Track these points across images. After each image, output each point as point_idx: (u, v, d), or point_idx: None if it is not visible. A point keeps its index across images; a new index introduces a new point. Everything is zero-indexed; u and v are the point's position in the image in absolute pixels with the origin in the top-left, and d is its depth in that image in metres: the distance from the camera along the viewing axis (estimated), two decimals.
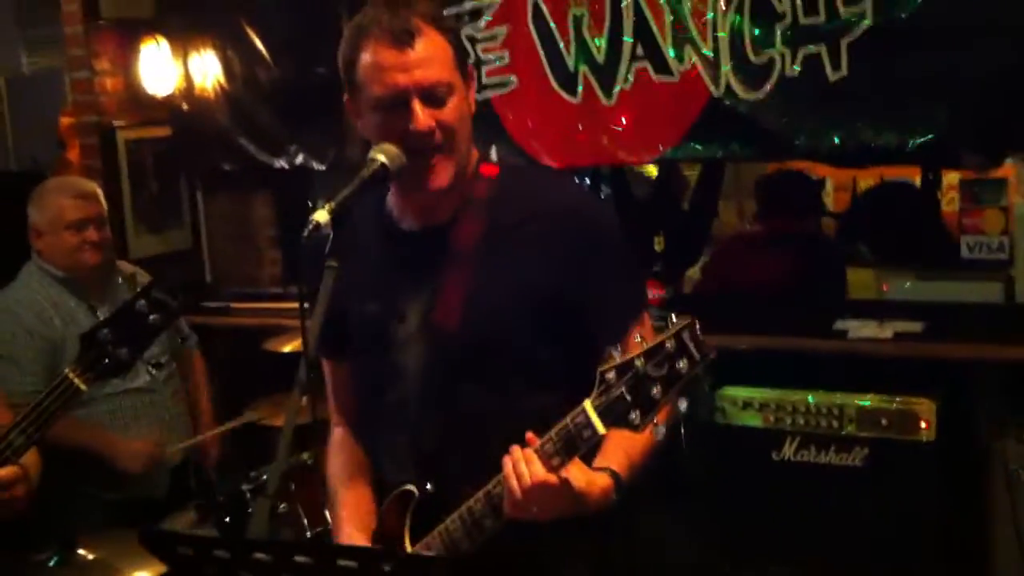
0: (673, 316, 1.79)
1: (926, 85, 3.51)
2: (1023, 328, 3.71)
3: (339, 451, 2.36)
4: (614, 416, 1.82)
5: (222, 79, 4.93)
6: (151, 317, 2.26)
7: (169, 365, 3.90)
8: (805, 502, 3.65)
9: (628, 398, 1.80)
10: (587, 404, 1.85)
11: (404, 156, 2.01)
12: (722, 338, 3.73)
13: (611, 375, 1.82)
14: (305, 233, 1.88)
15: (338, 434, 2.38)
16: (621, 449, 2.02)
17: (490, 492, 1.98)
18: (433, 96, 2.02)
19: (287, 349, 4.28)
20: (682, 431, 3.54)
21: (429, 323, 2.12)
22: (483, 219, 2.12)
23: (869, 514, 3.56)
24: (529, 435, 1.91)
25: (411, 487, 2.13)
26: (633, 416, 1.80)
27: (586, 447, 1.87)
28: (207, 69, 4.96)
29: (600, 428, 1.83)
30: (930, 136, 3.54)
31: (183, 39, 4.98)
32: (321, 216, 1.88)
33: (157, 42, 4.98)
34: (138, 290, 2.31)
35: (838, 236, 5.02)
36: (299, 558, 1.55)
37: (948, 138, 3.53)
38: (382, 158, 1.99)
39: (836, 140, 3.66)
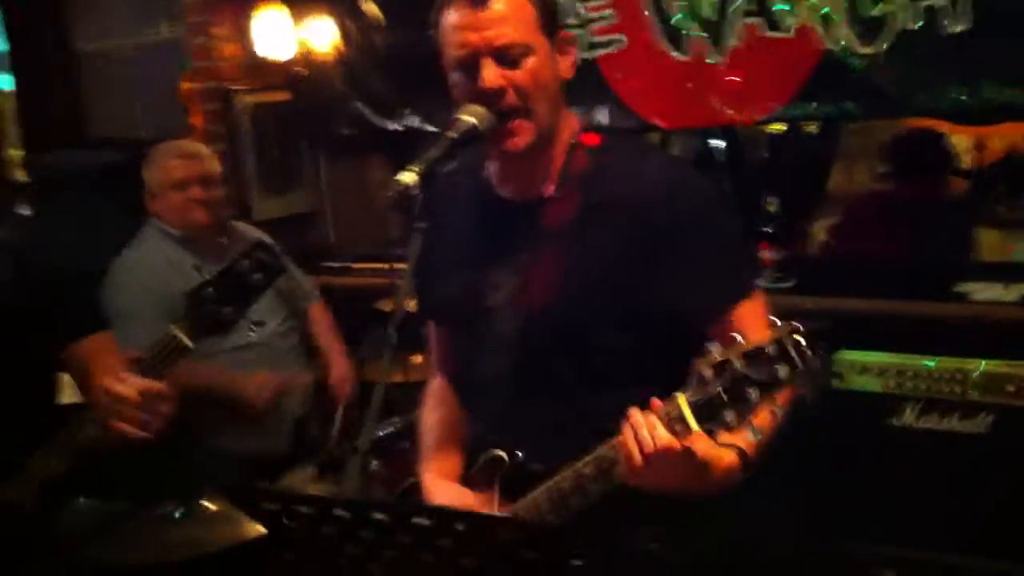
0: (777, 320, 1.71)
1: None
2: None
3: (437, 405, 2.38)
4: (708, 414, 1.76)
5: (339, 43, 4.96)
6: (254, 276, 2.26)
7: (284, 322, 3.96)
8: (927, 471, 3.54)
9: (724, 398, 1.73)
10: (681, 398, 1.79)
11: (493, 117, 1.99)
12: (839, 300, 3.64)
13: (708, 372, 1.75)
14: (391, 195, 1.87)
15: (436, 385, 2.41)
16: (749, 427, 1.92)
17: (580, 471, 1.95)
18: (505, 56, 1.99)
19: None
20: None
21: (520, 297, 2.10)
22: (580, 195, 2.09)
23: (994, 484, 3.44)
24: (654, 400, 1.84)
25: (502, 453, 2.13)
26: (728, 416, 1.74)
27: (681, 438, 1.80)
28: (324, 34, 5.00)
29: (693, 425, 1.77)
30: None
31: (300, 4, 5.01)
32: (408, 177, 1.87)
33: (276, 8, 5.02)
34: (242, 250, 2.31)
35: (968, 196, 4.79)
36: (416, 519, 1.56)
37: None
38: (470, 118, 1.98)
39: (959, 97, 3.48)
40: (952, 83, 3.49)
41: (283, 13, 5.03)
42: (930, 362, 3.54)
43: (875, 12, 3.58)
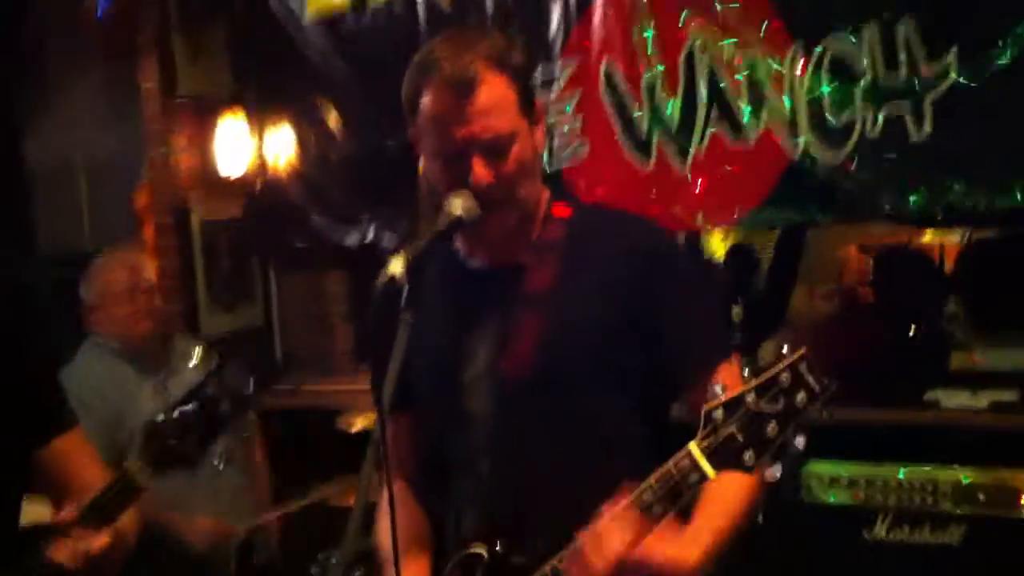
0: (785, 346, 1.65)
1: (1013, 142, 3.37)
2: None
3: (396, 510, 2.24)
4: (724, 458, 1.67)
5: (296, 155, 4.94)
6: (221, 407, 1.99)
7: (236, 451, 3.84)
8: None
9: (740, 438, 1.65)
10: (693, 446, 1.70)
11: (478, 208, 1.94)
12: None
13: (719, 413, 1.67)
14: (379, 284, 1.80)
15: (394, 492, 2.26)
16: (718, 506, 1.88)
17: (556, 567, 1.85)
18: (494, 148, 1.95)
19: (357, 428, 4.22)
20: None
21: (499, 367, 2.02)
22: (557, 261, 2.05)
23: None
24: (625, 488, 1.77)
25: (480, 549, 2.00)
26: (747, 457, 1.65)
27: (692, 493, 1.73)
28: (281, 145, 4.98)
29: (710, 472, 1.69)
30: (1019, 196, 3.37)
31: (259, 115, 5.01)
32: (396, 267, 1.81)
33: (235, 116, 5.00)
34: (210, 370, 2.08)
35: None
36: None
37: None
38: (458, 211, 1.93)
39: (921, 201, 3.51)
40: (914, 188, 3.51)
41: (242, 123, 5.01)
42: (902, 472, 3.48)
43: (838, 121, 3.61)
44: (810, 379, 1.61)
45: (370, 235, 4.77)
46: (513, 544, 1.97)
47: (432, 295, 2.08)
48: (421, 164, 2.10)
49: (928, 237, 4.48)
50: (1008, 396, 3.52)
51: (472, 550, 2.00)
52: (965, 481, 3.39)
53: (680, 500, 1.73)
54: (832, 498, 3.61)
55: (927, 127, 3.47)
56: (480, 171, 1.94)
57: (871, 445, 3.58)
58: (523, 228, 2.05)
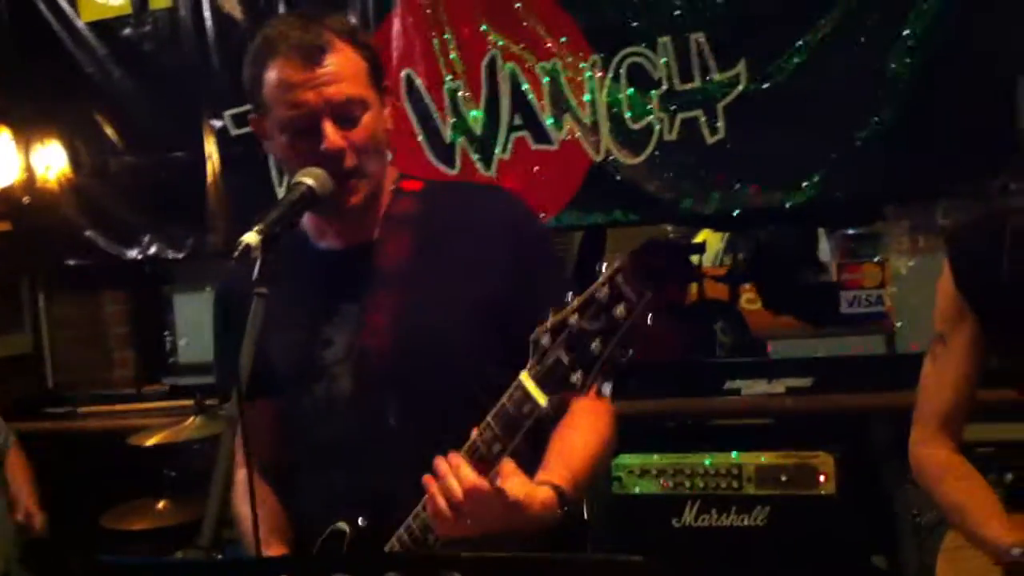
0: (605, 263, 1.63)
1: (801, 145, 3.61)
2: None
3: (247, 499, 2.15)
4: (554, 382, 1.64)
5: (68, 170, 4.70)
6: None
7: None
8: (708, 567, 3.58)
9: (566, 360, 1.62)
10: (523, 375, 1.68)
11: (331, 180, 1.90)
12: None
13: (545, 339, 1.64)
14: (235, 255, 1.74)
15: (244, 475, 2.12)
16: (562, 462, 1.90)
17: (419, 514, 1.84)
18: (345, 115, 1.92)
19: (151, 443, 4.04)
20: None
21: (359, 346, 1.99)
22: (410, 234, 2.03)
23: (777, 574, 3.52)
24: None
25: (342, 525, 1.96)
26: (575, 378, 1.62)
27: (528, 424, 1.70)
28: (51, 160, 4.72)
29: (541, 399, 1.66)
30: (807, 195, 3.62)
31: (26, 129, 4.73)
32: (251, 238, 1.75)
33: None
34: None
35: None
36: None
37: (824, 197, 3.63)
38: (309, 181, 1.88)
39: (718, 202, 3.71)
40: (711, 189, 3.71)
41: (6, 136, 4.73)
42: (708, 459, 3.62)
43: (636, 125, 3.77)
44: (627, 290, 1.58)
45: (152, 250, 4.59)
46: (376, 518, 1.94)
47: (283, 282, 2.04)
48: (269, 149, 2.06)
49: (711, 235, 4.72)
50: (802, 382, 3.73)
51: (336, 527, 1.97)
52: (766, 463, 3.58)
53: (518, 432, 1.72)
54: (642, 489, 3.72)
55: (720, 132, 3.68)
56: (332, 135, 1.91)
57: (678, 436, 3.73)
58: (372, 204, 2.02)
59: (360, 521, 1.95)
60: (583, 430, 1.97)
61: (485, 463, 1.76)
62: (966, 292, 2.18)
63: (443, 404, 1.96)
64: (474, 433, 1.77)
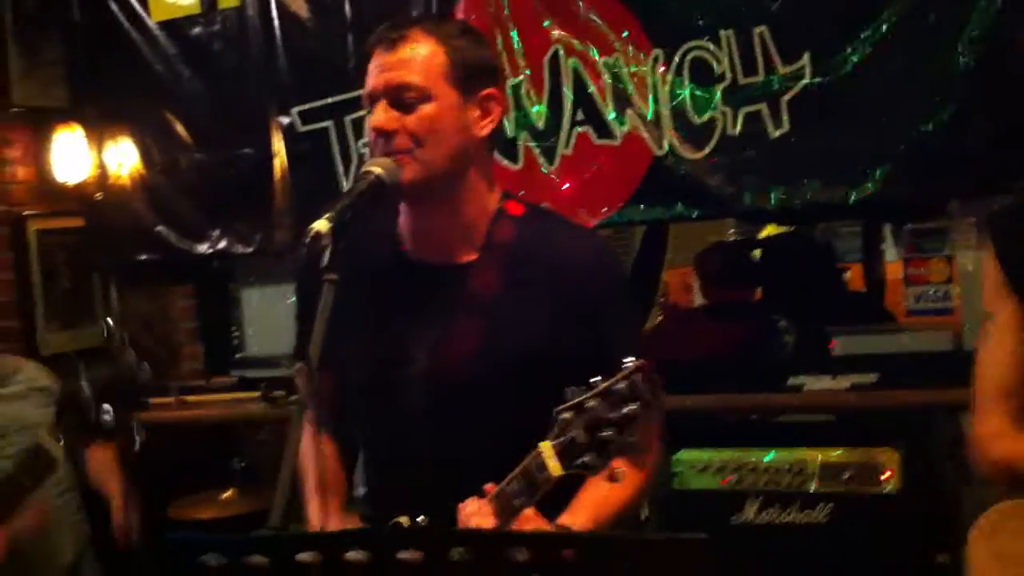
0: (629, 359, 1.75)
1: (865, 139, 3.58)
2: None
3: (316, 453, 2.22)
4: (570, 458, 1.76)
5: (139, 167, 4.79)
6: None
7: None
8: (769, 565, 3.57)
9: (582, 440, 1.74)
10: (544, 445, 1.78)
11: (395, 165, 1.96)
12: (673, 399, 3.69)
13: (567, 415, 1.76)
14: (305, 242, 1.80)
15: (312, 435, 2.21)
16: (587, 508, 1.97)
17: None
18: (399, 100, 1.98)
19: None
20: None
21: (439, 366, 2.04)
22: (503, 265, 2.07)
23: (837, 573, 3.50)
24: (488, 486, 1.85)
25: (403, 519, 2.01)
26: (588, 459, 1.74)
27: (545, 489, 1.79)
28: (123, 157, 4.82)
29: (554, 470, 1.76)
30: (872, 190, 3.59)
31: (99, 127, 4.82)
32: (321, 225, 1.81)
33: (72, 130, 4.82)
34: None
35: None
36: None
37: (889, 191, 3.59)
38: (377, 169, 1.94)
39: (780, 197, 3.69)
40: (774, 184, 3.69)
41: (80, 135, 4.83)
42: (769, 455, 3.62)
43: (699, 120, 3.77)
44: (643, 390, 1.71)
45: (221, 245, 4.67)
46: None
47: (372, 282, 2.09)
48: None
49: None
50: (866, 379, 3.70)
51: (396, 520, 2.01)
52: (829, 460, 3.56)
53: (536, 493, 1.80)
54: (702, 484, 3.72)
55: (784, 126, 3.65)
56: (379, 114, 1.98)
57: (740, 432, 3.71)
58: (465, 219, 2.07)
59: (420, 519, 1.99)
60: (603, 503, 2.00)
61: (506, 513, 1.83)
62: (1008, 273, 2.20)
63: (502, 429, 1.99)
64: (504, 482, 1.84)
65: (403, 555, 1.42)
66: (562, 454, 1.75)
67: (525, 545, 1.42)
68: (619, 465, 1.76)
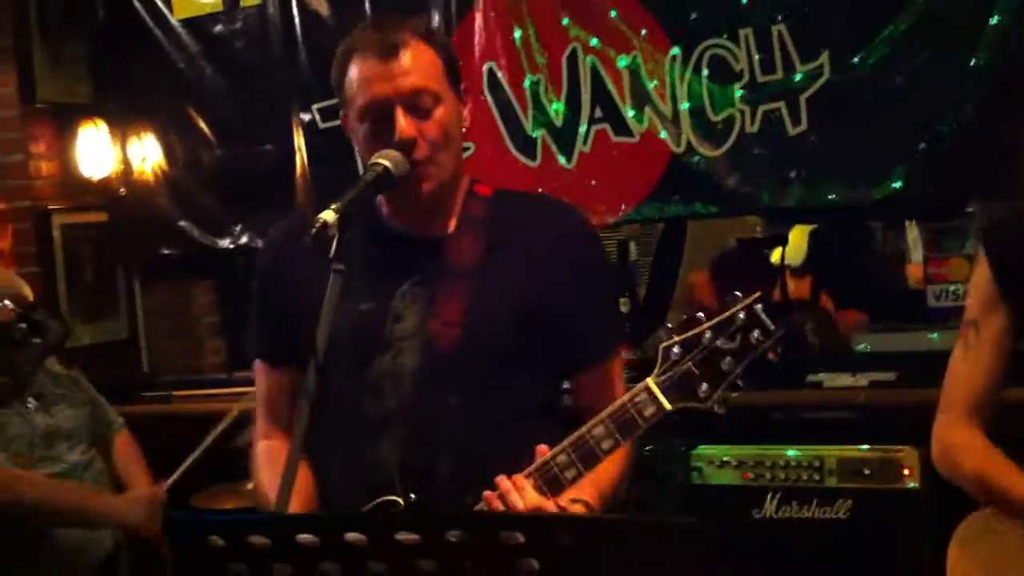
0: (738, 292, 1.80)
1: (885, 138, 3.58)
2: None
3: (272, 463, 2.11)
4: (681, 391, 1.80)
5: (162, 162, 4.84)
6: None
7: (87, 451, 3.71)
8: (789, 559, 3.59)
9: (697, 371, 1.78)
10: (650, 381, 1.82)
11: (407, 162, 1.99)
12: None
13: (676, 350, 1.80)
14: (312, 231, 1.83)
15: (268, 447, 2.19)
16: (588, 482, 1.97)
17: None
18: (416, 106, 2.00)
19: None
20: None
21: (428, 328, 2.06)
22: (482, 236, 2.11)
23: (856, 569, 3.51)
24: (541, 447, 1.88)
25: (395, 497, 2.01)
26: (702, 391, 1.78)
27: (646, 428, 1.83)
28: (146, 153, 4.87)
29: (667, 404, 1.81)
30: (892, 188, 3.59)
31: (122, 123, 4.88)
32: (328, 216, 1.84)
33: (96, 126, 4.87)
34: None
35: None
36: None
37: (910, 190, 3.60)
38: (385, 162, 1.97)
39: (799, 195, 3.69)
40: (793, 181, 3.69)
41: (104, 131, 4.88)
42: (790, 451, 3.63)
43: (718, 117, 3.77)
44: (765, 319, 1.77)
45: (243, 239, 4.71)
46: (420, 493, 2.01)
47: (358, 254, 2.10)
48: (355, 144, 2.13)
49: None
50: (886, 376, 3.71)
51: (386, 498, 2.01)
52: (849, 456, 3.57)
53: (632, 434, 1.84)
54: (721, 479, 3.73)
55: (803, 123, 3.66)
56: (403, 123, 1.99)
57: (760, 428, 3.72)
58: (447, 201, 2.11)
59: (412, 496, 2.01)
60: (611, 457, 2.01)
61: (555, 486, 1.87)
62: (1000, 284, 2.19)
63: (498, 393, 2.06)
64: (545, 454, 1.87)
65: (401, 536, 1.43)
66: (672, 388, 1.80)
67: (521, 530, 1.43)
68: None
